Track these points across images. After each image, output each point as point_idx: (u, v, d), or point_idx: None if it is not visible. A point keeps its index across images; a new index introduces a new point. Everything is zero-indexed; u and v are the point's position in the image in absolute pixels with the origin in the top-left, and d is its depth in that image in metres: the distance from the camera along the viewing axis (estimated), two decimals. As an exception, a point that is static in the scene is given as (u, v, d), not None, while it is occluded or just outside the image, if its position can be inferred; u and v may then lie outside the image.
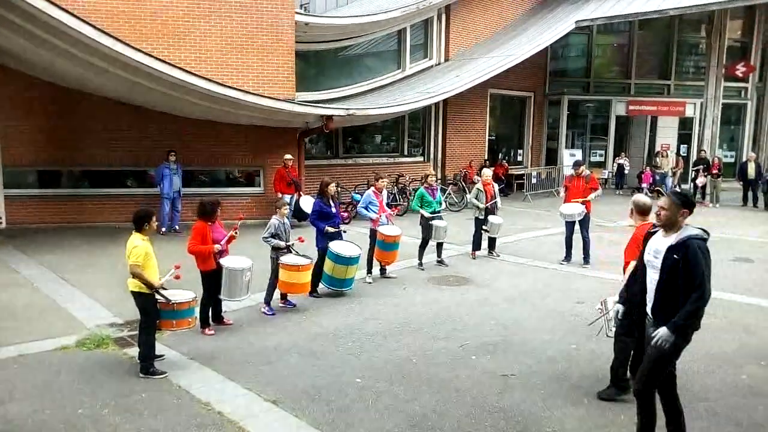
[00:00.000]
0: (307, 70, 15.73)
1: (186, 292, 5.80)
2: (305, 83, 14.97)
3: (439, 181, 15.69)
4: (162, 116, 12.58)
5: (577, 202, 9.80)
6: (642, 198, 5.33)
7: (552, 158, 21.65)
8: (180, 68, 10.60)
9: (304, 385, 5.25)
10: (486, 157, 19.44)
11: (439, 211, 9.82)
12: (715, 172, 17.70)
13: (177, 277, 5.61)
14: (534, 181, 19.24)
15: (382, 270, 9.07)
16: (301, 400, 4.95)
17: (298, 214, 12.43)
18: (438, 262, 9.87)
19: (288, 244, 7.31)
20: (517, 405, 4.86)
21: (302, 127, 13.59)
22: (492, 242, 10.54)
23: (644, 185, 19.65)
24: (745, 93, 22.09)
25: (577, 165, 10.33)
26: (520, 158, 21.65)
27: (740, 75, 20.52)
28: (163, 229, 11.82)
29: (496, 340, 6.35)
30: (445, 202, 14.45)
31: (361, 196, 10.43)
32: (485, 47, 18.58)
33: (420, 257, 9.69)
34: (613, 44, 22.98)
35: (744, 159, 18.85)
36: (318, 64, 16.37)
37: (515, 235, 12.40)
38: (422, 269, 9.52)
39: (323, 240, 7.95)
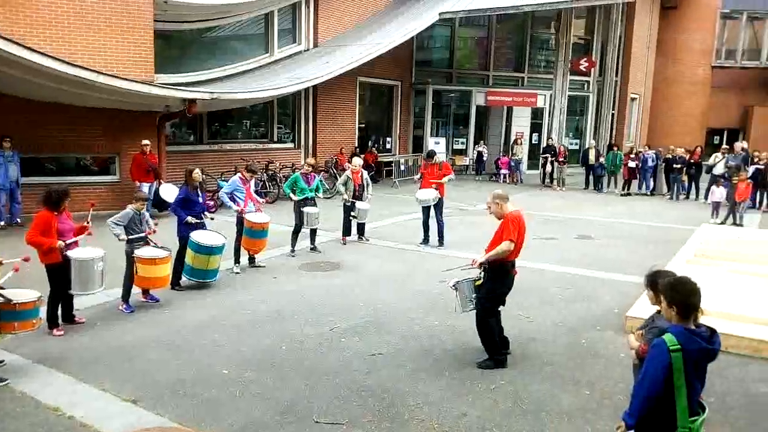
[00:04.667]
0: (169, 51, 14.86)
1: (30, 292, 5.27)
2: (167, 65, 14.14)
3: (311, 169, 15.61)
4: (-1, 98, 11.27)
5: (432, 186, 10.25)
6: (499, 191, 5.66)
7: (419, 146, 22.42)
8: (17, 43, 9.53)
9: (167, 380, 5.03)
10: (356, 145, 19.68)
11: (312, 198, 9.79)
12: (561, 158, 19.39)
13: (16, 269, 5.10)
14: (402, 168, 19.84)
15: (251, 259, 8.89)
16: (164, 396, 4.74)
17: (158, 203, 11.77)
18: (311, 248, 9.86)
19: (133, 237, 6.77)
20: (384, 382, 5.03)
21: (163, 111, 12.84)
22: (361, 228, 10.73)
23: (503, 171, 21.09)
24: (588, 86, 24.35)
25: (430, 156, 10.83)
26: (388, 146, 22.17)
27: (583, 70, 22.55)
28: (2, 223, 10.65)
29: (365, 322, 6.50)
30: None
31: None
32: (354, 35, 18.72)
33: (293, 244, 9.63)
34: (474, 37, 24.20)
35: (586, 146, 20.79)
36: (181, 45, 15.53)
37: (384, 220, 12.73)
38: (294, 256, 9.47)
39: (185, 229, 7.58)
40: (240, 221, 8.58)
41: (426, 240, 10.49)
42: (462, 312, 5.60)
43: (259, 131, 17.97)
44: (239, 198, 8.63)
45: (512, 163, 20.87)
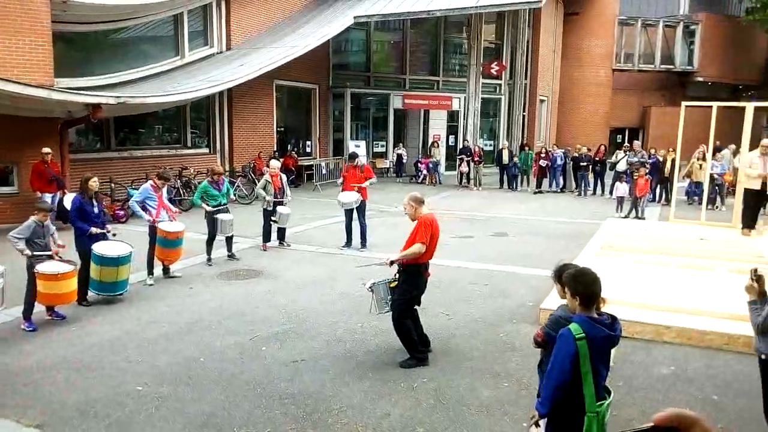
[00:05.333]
0: (73, 53, 14.06)
1: None
2: (70, 68, 13.36)
3: (227, 173, 15.24)
4: None
5: (354, 189, 10.28)
6: (416, 193, 5.76)
7: (339, 149, 22.41)
8: None
9: (76, 402, 4.74)
10: (275, 149, 19.40)
11: (224, 204, 9.54)
12: (477, 159, 19.99)
13: None
14: (323, 171, 19.76)
15: (165, 270, 8.54)
16: (72, 420, 4.46)
17: (62, 214, 11.08)
18: (228, 256, 9.61)
19: (37, 252, 6.37)
20: (307, 388, 4.98)
21: (65, 117, 12.12)
22: (282, 233, 10.58)
23: (423, 172, 21.48)
24: (500, 89, 25.24)
25: (352, 157, 10.87)
26: (309, 149, 22.01)
27: (495, 73, 23.37)
28: None
29: (287, 329, 6.41)
30: (235, 194, 14.14)
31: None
32: (269, 37, 18.46)
33: (209, 253, 9.34)
34: (390, 41, 24.49)
35: (500, 147, 21.54)
36: (85, 47, 14.72)
37: (306, 224, 12.61)
38: (211, 265, 9.19)
39: (87, 242, 7.13)
40: (153, 231, 8.22)
41: (349, 243, 10.49)
42: (378, 313, 5.69)
43: (172, 136, 17.33)
44: (151, 206, 8.28)
45: (431, 165, 21.31)
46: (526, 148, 20.81)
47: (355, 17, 18.54)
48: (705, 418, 1.03)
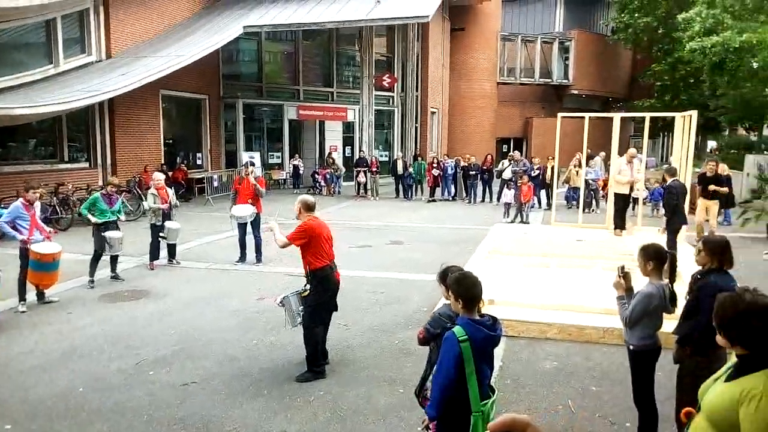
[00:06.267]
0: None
1: None
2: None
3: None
4: None
5: (247, 202, 10.04)
6: (307, 197, 5.74)
7: (232, 161, 21.87)
8: None
9: (-71, 448, 4.23)
10: (163, 162, 18.56)
11: (114, 221, 8.98)
12: (374, 169, 20.28)
13: None
14: (215, 184, 19.17)
15: (40, 295, 7.86)
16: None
17: None
18: (112, 277, 9.03)
19: None
20: (198, 411, 4.77)
21: None
22: (171, 249, 10.11)
23: (321, 183, 21.46)
24: (393, 101, 25.81)
25: (248, 165, 10.63)
26: (200, 162, 21.28)
27: (387, 85, 23.88)
28: None
29: (176, 350, 6.12)
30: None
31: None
32: (153, 46, 17.68)
33: (91, 274, 8.71)
34: (283, 52, 24.30)
35: (395, 157, 21.99)
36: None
37: (197, 239, 12.16)
38: (93, 287, 8.58)
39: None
40: (24, 253, 7.55)
41: (243, 258, 10.21)
42: (292, 327, 5.57)
43: (47, 150, 16.10)
44: (22, 226, 7.60)
45: (328, 176, 21.34)
46: (420, 159, 21.41)
47: (244, 27, 18.24)
48: (535, 421, 1.11)
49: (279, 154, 23.46)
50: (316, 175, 21.84)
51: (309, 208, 5.54)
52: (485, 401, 3.02)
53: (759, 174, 13.73)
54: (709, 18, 22.71)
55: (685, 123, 11.17)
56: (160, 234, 9.77)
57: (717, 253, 3.87)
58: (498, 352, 6.00)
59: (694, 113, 11.03)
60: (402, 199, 20.28)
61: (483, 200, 19.25)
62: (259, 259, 10.17)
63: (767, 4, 22.10)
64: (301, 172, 22.17)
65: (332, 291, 5.50)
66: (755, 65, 22.51)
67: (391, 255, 10.97)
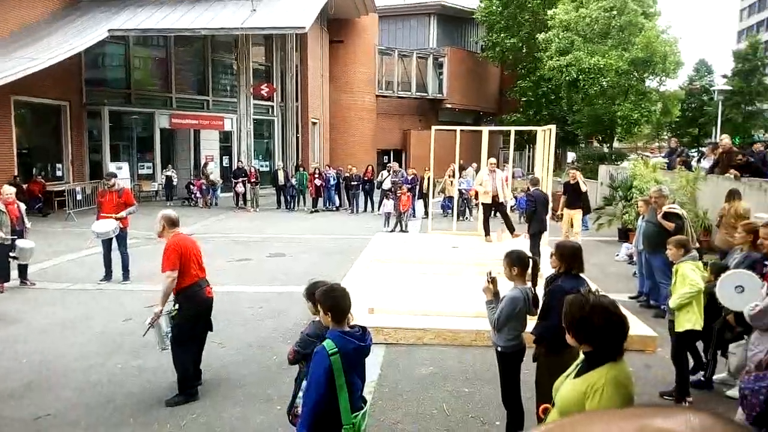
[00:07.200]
0: None
1: None
2: None
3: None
4: None
5: (111, 217, 9.34)
6: (170, 212, 5.46)
7: (97, 172, 20.35)
8: None
9: None
10: (16, 173, 16.86)
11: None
12: (253, 180, 19.83)
13: None
14: (79, 197, 17.70)
15: None
16: None
17: None
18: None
19: None
20: (53, 447, 4.35)
21: None
22: (23, 270, 9.18)
23: (197, 194, 20.59)
24: (272, 111, 25.44)
25: (109, 177, 9.80)
26: (60, 173, 19.60)
27: (265, 95, 23.49)
28: None
29: (29, 381, 5.54)
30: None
31: None
32: (2, 48, 16.06)
33: None
34: (154, 57, 23.12)
35: (275, 168, 21.67)
36: None
37: (56, 258, 11.16)
38: (-75, 316, 7.56)
39: None
40: None
41: (108, 276, 9.51)
42: (162, 349, 5.23)
43: None
44: None
45: (205, 186, 20.55)
46: (302, 169, 21.27)
47: (110, 30, 17.14)
48: None
49: (150, 164, 22.22)
50: (192, 186, 20.93)
51: (173, 223, 5.27)
52: (356, 413, 3.03)
53: (610, 183, 15.16)
54: (564, 39, 24.84)
55: (546, 136, 12.08)
56: (10, 254, 8.82)
57: (567, 257, 4.19)
58: (377, 360, 6.10)
59: (553, 127, 11.97)
60: (284, 210, 20.01)
61: (365, 210, 19.50)
62: (126, 276, 9.52)
63: (613, 30, 24.60)
64: (174, 183, 21.11)
65: (203, 309, 5.25)
66: (605, 84, 24.97)
67: (272, 268, 10.75)
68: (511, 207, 12.77)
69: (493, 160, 11.97)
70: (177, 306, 5.13)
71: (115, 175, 9.86)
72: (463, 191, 17.28)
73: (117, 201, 9.38)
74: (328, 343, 2.94)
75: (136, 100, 21.77)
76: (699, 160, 15.07)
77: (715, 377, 5.57)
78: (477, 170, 17.81)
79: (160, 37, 21.35)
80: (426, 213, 16.64)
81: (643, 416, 0.64)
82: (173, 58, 22.62)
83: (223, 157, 23.92)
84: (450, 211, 17.14)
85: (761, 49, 41.96)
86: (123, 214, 9.36)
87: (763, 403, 2.25)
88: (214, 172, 21.65)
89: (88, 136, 20.58)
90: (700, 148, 27.53)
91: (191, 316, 5.13)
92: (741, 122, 38.27)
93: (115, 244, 9.41)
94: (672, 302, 5.18)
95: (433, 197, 14.55)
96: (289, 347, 3.67)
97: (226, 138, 23.84)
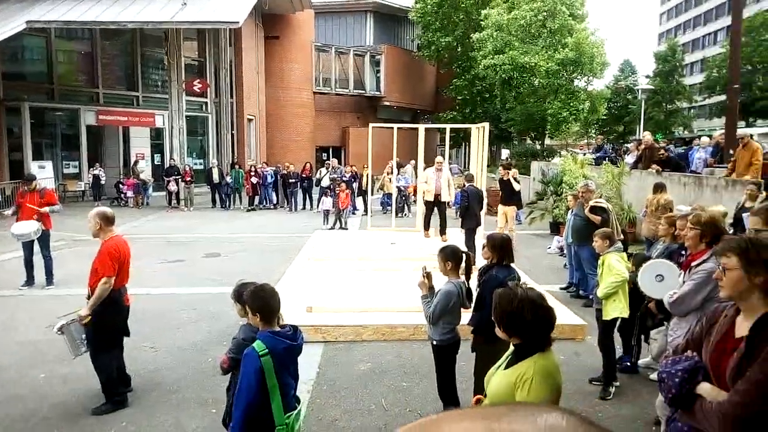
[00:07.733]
0: None
1: None
2: None
3: None
4: None
5: (33, 218, 8.84)
6: (105, 209, 5.21)
7: (18, 172, 19.21)
8: None
9: None
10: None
11: None
12: (187, 178, 19.27)
13: None
14: (-4, 198, 16.71)
15: None
16: None
17: None
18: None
19: None
20: (-32, 465, 4.08)
21: None
22: (-66, 277, 8.58)
23: (128, 193, 19.81)
24: (206, 107, 24.79)
25: (29, 180, 9.30)
26: (-25, 173, 18.41)
27: (198, 91, 22.86)
28: None
29: (-60, 396, 5.18)
30: None
31: None
32: None
33: None
34: (79, 51, 22.05)
35: (210, 166, 21.14)
36: None
37: (-29, 264, 10.47)
38: None
39: None
40: None
41: (30, 281, 9.01)
42: (74, 357, 4.99)
43: None
44: None
45: (135, 186, 19.80)
46: (237, 167, 20.84)
47: (28, 22, 16.19)
48: None
49: (76, 162, 21.19)
50: (121, 186, 20.12)
51: (109, 221, 5.01)
52: (289, 414, 2.99)
53: (542, 178, 15.65)
54: (498, 39, 25.43)
55: (480, 134, 12.33)
56: None
57: (498, 248, 4.30)
58: (315, 358, 6.06)
59: (486, 125, 12.23)
60: (219, 208, 19.55)
61: (303, 208, 19.32)
62: (49, 281, 9.04)
63: (545, 32, 25.39)
64: (102, 182, 20.21)
65: (120, 318, 5.04)
66: (536, 83, 25.76)
67: (207, 268, 10.48)
68: (447, 203, 12.94)
69: (440, 158, 12.14)
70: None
71: (34, 177, 9.36)
72: (402, 188, 17.41)
73: (39, 202, 8.94)
74: (258, 345, 2.89)
75: (59, 95, 20.70)
76: (623, 154, 15.80)
77: (639, 362, 5.86)
78: (415, 167, 18.00)
79: (84, 29, 20.38)
80: (366, 210, 16.67)
81: (492, 417, 0.64)
82: (100, 52, 21.65)
83: (155, 155, 23.12)
84: (389, 207, 17.23)
85: (679, 51, 44.50)
86: (46, 209, 8.91)
87: (678, 385, 2.37)
88: (144, 170, 20.90)
89: (6, 134, 19.40)
90: (625, 145, 28.86)
91: (111, 321, 4.92)
92: (663, 120, 40.46)
93: (37, 247, 8.93)
94: (599, 292, 5.40)
95: (372, 194, 14.57)
96: (221, 356, 3.57)
97: (158, 135, 23.05)
